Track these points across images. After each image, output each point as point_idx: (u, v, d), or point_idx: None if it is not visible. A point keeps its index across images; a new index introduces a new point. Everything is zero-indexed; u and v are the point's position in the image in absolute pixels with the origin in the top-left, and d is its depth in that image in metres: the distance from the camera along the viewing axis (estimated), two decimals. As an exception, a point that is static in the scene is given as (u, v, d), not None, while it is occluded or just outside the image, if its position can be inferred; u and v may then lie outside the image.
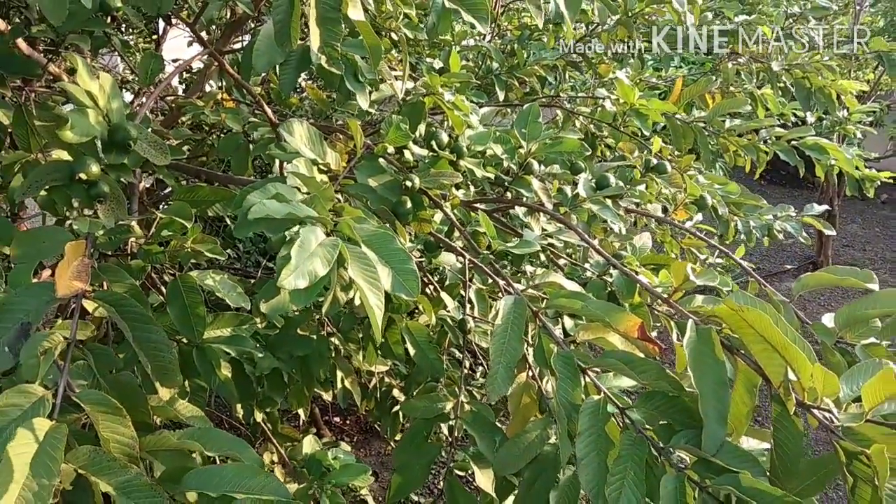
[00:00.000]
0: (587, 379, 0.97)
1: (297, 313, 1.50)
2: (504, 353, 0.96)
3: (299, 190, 0.93)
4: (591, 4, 2.48)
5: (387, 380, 2.27)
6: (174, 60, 3.48)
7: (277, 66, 1.04)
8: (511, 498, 1.28)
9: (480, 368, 2.54)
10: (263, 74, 2.08)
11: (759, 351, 0.89)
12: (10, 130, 1.50)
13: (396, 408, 2.24)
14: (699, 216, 2.22)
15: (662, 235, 2.02)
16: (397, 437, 2.95)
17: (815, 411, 0.86)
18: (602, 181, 1.24)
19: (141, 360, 0.89)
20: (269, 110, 1.38)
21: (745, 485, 0.80)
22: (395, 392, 2.27)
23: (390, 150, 1.20)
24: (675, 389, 0.92)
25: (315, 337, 1.47)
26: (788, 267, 6.28)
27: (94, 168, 0.89)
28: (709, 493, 0.83)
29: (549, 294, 1.02)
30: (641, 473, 0.86)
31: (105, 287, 0.95)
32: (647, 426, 0.93)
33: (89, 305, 1.25)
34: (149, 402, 0.93)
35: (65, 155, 1.02)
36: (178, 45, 2.91)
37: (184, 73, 3.51)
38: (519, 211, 1.27)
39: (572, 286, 1.05)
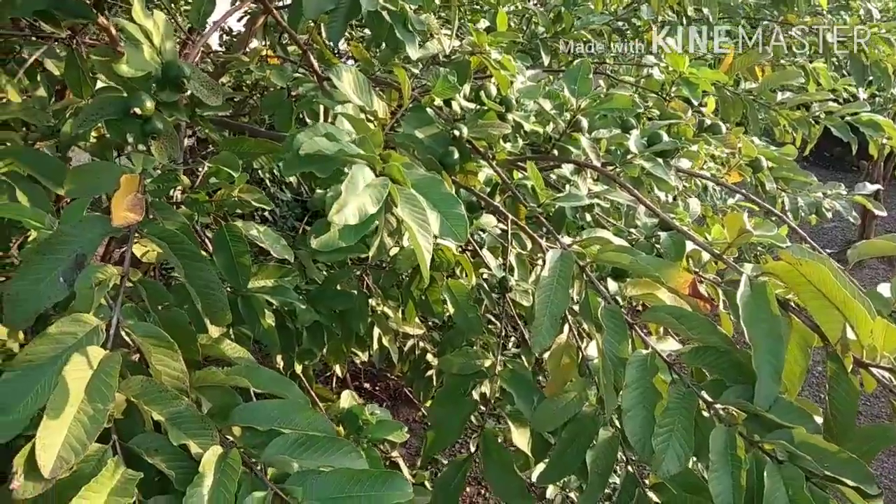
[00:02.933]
0: (634, 334, 0.95)
1: (335, 269, 1.50)
2: (549, 305, 0.95)
3: (348, 134, 0.92)
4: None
5: (421, 344, 2.28)
6: (214, 22, 3.49)
7: (326, 15, 1.03)
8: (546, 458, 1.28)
9: (512, 339, 2.54)
10: (306, 36, 2.08)
11: (816, 307, 0.86)
12: (60, 77, 1.53)
13: (430, 372, 2.26)
14: (739, 196, 2.17)
15: (704, 210, 1.98)
16: (427, 403, 2.98)
17: (874, 370, 0.83)
18: (654, 138, 1.21)
19: (192, 298, 0.90)
20: (314, 61, 1.37)
21: (799, 440, 0.79)
22: (429, 357, 2.28)
23: (437, 102, 1.18)
24: (727, 345, 0.90)
25: (355, 292, 1.47)
26: (829, 251, 6.14)
27: (149, 104, 0.89)
28: (760, 448, 0.81)
29: (597, 250, 1.00)
30: (690, 427, 0.85)
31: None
32: (696, 381, 0.92)
33: (137, 251, 1.27)
34: (198, 340, 0.94)
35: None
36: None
37: (223, 35, 3.52)
38: (566, 170, 1.25)
39: (620, 242, 1.03)
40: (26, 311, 0.87)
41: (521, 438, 1.25)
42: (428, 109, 1.13)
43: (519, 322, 1.59)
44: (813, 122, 2.19)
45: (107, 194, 1.10)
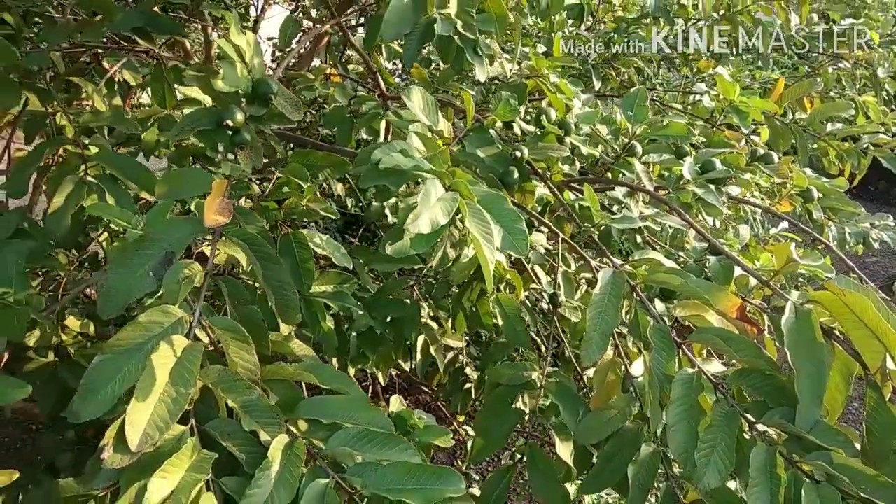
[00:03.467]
0: (681, 353, 0.99)
1: (386, 280, 1.57)
2: (600, 322, 1.00)
3: (419, 151, 0.99)
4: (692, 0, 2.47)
5: (460, 357, 2.33)
6: (269, 39, 3.63)
7: (403, 38, 1.10)
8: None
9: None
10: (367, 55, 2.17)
11: (857, 337, 0.89)
12: (140, 87, 1.63)
13: (467, 385, 2.31)
14: (784, 224, 2.19)
15: (749, 241, 2.00)
16: (461, 418, 3.02)
17: (914, 399, 0.86)
18: (707, 165, 1.25)
19: (267, 297, 0.97)
20: (382, 82, 1.45)
21: (838, 462, 0.82)
22: (467, 370, 2.33)
23: (498, 124, 1.25)
24: (771, 369, 0.93)
25: (408, 301, 1.54)
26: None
27: (240, 116, 0.97)
28: (799, 468, 0.84)
29: (647, 270, 1.04)
30: (732, 444, 0.88)
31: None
32: (739, 402, 0.95)
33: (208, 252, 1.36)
34: (269, 337, 1.01)
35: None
36: (272, 25, 3.05)
37: (275, 51, 3.66)
38: (618, 192, 1.30)
39: (670, 264, 1.07)
40: (118, 303, 0.95)
41: (564, 450, 1.29)
42: (490, 130, 1.19)
43: (563, 338, 1.64)
44: (862, 153, 2.19)
45: (186, 199, 1.19)
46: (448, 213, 0.82)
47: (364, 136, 1.96)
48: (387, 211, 1.80)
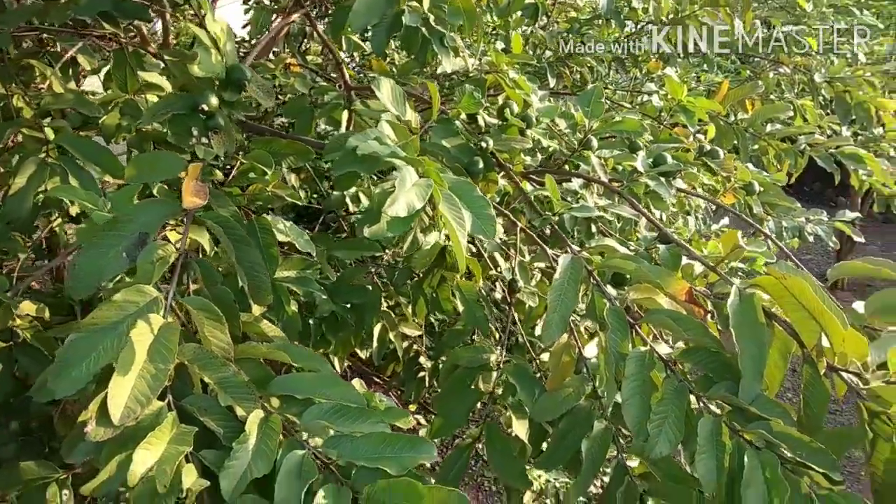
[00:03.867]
0: (634, 334, 1.06)
1: (354, 264, 1.60)
2: (560, 304, 1.06)
3: (391, 140, 1.03)
4: (642, 3, 2.56)
5: (415, 346, 2.38)
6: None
7: (371, 28, 1.13)
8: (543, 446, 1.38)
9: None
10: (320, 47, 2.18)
11: (796, 318, 0.97)
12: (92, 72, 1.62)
13: (421, 374, 2.35)
14: (725, 220, 2.31)
15: (692, 235, 2.11)
16: (412, 407, 3.06)
17: (844, 374, 0.95)
18: (659, 159, 1.32)
19: (239, 278, 0.99)
20: (346, 73, 1.48)
21: (777, 430, 0.90)
22: (422, 359, 2.37)
23: (462, 116, 1.29)
24: (717, 347, 1.01)
25: (369, 287, 1.57)
26: (807, 283, 6.30)
27: (214, 101, 0.99)
28: (742, 437, 0.92)
29: (603, 257, 1.11)
30: (682, 416, 0.95)
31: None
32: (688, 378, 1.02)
33: (172, 237, 1.36)
34: (240, 318, 1.03)
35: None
36: (226, 13, 3.01)
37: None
38: (575, 184, 1.37)
39: (624, 251, 1.14)
40: (89, 283, 0.96)
41: (520, 428, 1.35)
42: (455, 122, 1.23)
43: (517, 326, 1.70)
44: (799, 153, 2.33)
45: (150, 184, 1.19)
46: (423, 198, 0.86)
47: (324, 126, 1.98)
48: (348, 200, 1.83)
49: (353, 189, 1.86)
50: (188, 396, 0.91)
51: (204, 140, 1.02)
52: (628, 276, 1.24)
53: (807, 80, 3.07)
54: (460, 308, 1.48)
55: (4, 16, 1.25)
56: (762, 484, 0.86)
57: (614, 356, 1.02)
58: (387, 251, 1.72)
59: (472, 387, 1.39)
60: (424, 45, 1.22)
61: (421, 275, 1.50)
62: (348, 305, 1.59)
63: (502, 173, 1.28)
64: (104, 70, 1.66)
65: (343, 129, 1.74)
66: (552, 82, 2.36)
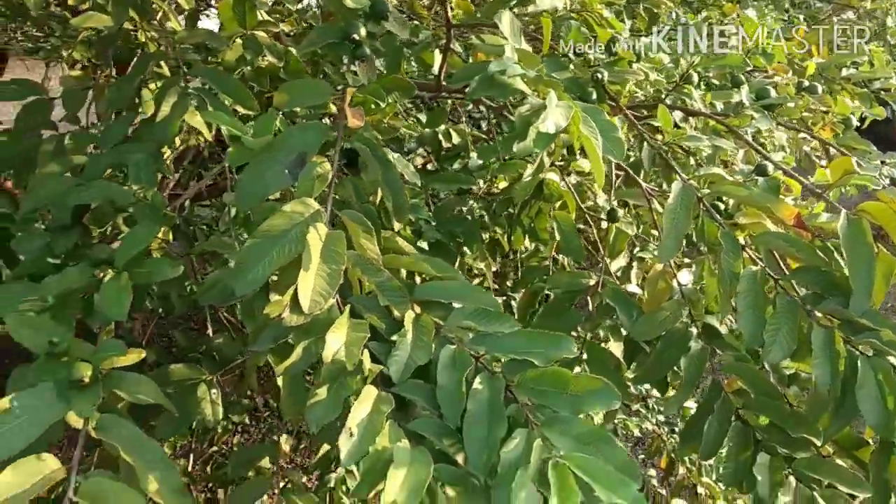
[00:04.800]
0: (745, 255, 1.14)
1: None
2: (674, 227, 1.14)
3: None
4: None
5: (484, 284, 2.48)
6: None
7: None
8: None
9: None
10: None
11: (903, 239, 1.04)
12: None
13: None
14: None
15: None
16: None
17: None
18: (762, 93, 1.38)
19: (384, 197, 1.09)
20: (449, 8, 1.54)
21: (887, 339, 0.98)
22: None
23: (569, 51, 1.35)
24: (826, 266, 1.08)
25: (469, 217, 1.67)
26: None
27: (363, 31, 1.07)
28: (853, 346, 1.00)
29: (713, 184, 1.18)
30: (794, 327, 1.04)
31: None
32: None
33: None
34: (381, 233, 1.13)
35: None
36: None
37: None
38: (676, 116, 1.43)
39: (731, 179, 1.21)
40: (255, 198, 1.06)
41: (616, 348, 1.45)
42: (563, 58, 1.30)
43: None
44: (874, 98, 2.33)
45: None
46: (567, 118, 0.94)
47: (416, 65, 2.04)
48: (440, 137, 1.91)
49: (443, 126, 1.94)
50: (351, 296, 1.01)
51: (353, 68, 1.10)
52: (725, 208, 1.31)
53: (876, 26, 3.03)
54: (557, 237, 1.56)
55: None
56: (875, 386, 0.94)
57: (728, 275, 1.10)
58: (479, 185, 1.80)
59: (571, 310, 1.48)
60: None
61: (519, 206, 1.59)
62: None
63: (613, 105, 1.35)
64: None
65: (435, 71, 1.81)
66: (628, 24, 2.38)
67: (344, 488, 2.13)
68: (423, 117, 2.31)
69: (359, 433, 0.85)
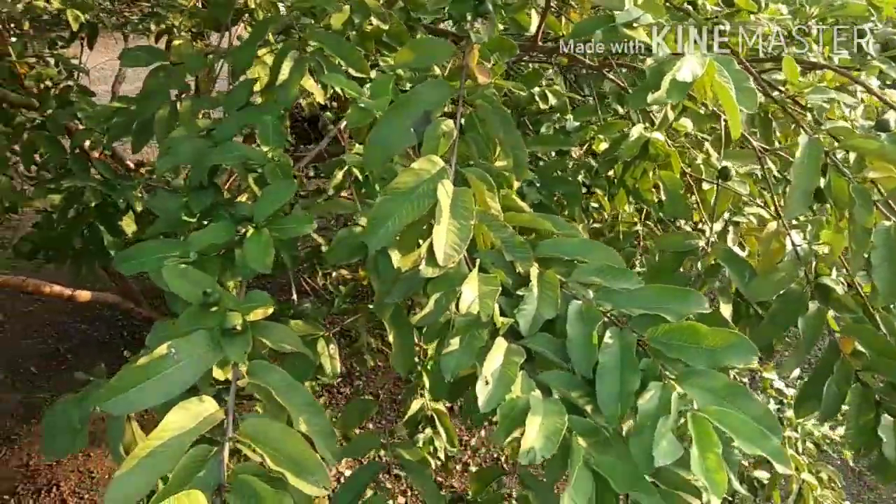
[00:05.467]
0: (876, 210, 1.10)
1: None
2: (802, 181, 1.11)
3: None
4: None
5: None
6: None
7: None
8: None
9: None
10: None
11: None
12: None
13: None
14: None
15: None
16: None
17: None
18: (890, 43, 1.32)
19: (504, 154, 1.10)
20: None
21: None
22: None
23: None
24: (968, 220, 1.04)
25: (571, 179, 1.67)
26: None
27: (487, -12, 1.08)
28: None
29: (842, 137, 1.14)
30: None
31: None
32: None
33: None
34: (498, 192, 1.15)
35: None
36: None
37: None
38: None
39: (859, 132, 1.17)
40: (383, 155, 1.09)
41: (725, 309, 1.43)
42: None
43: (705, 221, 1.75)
44: None
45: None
46: (702, 66, 0.93)
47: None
48: (536, 98, 1.90)
49: (538, 88, 1.93)
50: (477, 252, 1.04)
51: (476, 25, 1.11)
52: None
53: None
54: (662, 197, 1.55)
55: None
56: None
57: (861, 230, 1.07)
58: (577, 148, 1.79)
59: (677, 271, 1.47)
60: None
61: (622, 166, 1.57)
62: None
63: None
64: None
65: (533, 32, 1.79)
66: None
67: (431, 448, 2.20)
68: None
69: (493, 382, 0.88)
